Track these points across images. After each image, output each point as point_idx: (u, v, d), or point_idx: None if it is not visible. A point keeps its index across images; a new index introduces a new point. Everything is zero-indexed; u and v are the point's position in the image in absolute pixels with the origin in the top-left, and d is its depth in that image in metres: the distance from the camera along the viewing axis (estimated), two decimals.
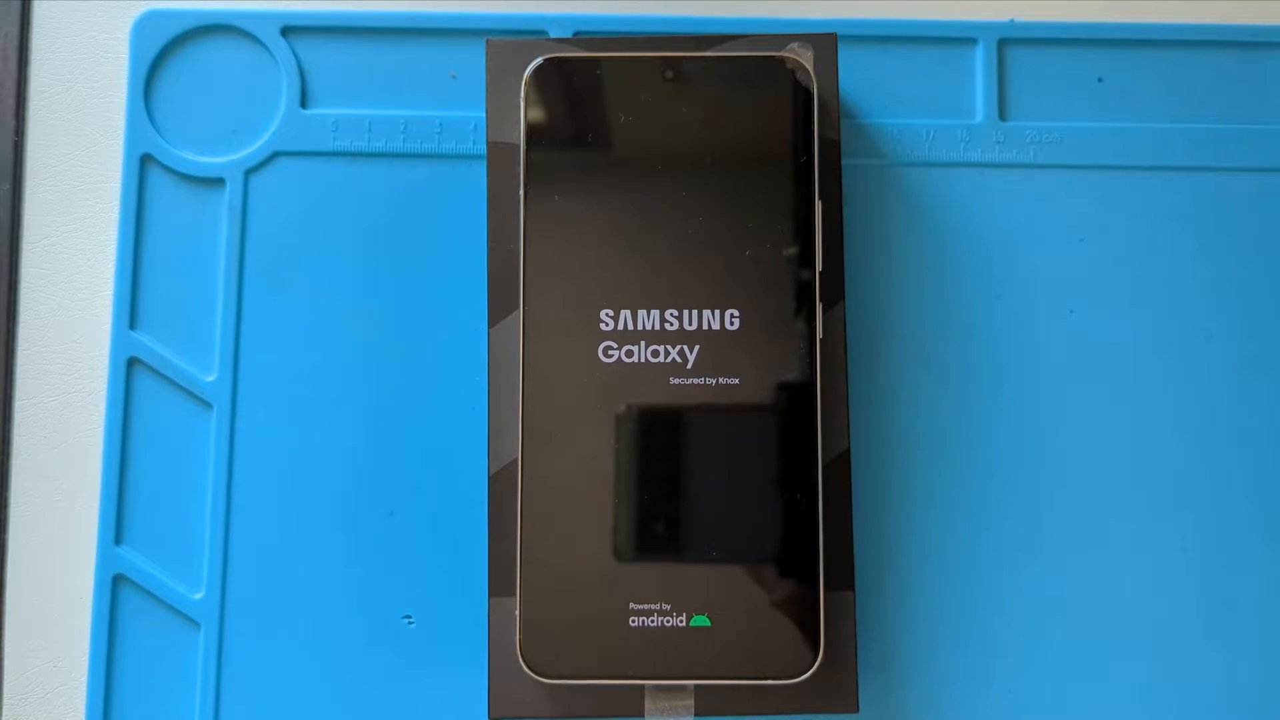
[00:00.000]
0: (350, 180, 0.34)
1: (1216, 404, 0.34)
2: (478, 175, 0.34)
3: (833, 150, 0.32)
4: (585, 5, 0.35)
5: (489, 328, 0.31)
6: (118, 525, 0.33)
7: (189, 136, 0.34)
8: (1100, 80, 0.35)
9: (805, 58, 0.32)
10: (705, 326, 0.30)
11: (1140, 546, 0.33)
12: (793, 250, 0.31)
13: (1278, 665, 0.33)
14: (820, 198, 0.31)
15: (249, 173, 0.34)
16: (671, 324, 0.30)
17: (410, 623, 0.33)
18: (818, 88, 0.31)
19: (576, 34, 0.34)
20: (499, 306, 0.31)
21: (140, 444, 0.33)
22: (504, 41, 0.32)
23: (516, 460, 0.30)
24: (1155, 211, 0.34)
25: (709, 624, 0.30)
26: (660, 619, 0.30)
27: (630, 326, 0.30)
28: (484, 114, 0.33)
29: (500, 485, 0.31)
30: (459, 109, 0.34)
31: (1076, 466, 0.33)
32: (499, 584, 0.31)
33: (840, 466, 0.31)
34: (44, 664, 0.33)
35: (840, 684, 0.30)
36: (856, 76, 0.35)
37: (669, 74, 0.31)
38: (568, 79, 0.31)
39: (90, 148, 0.35)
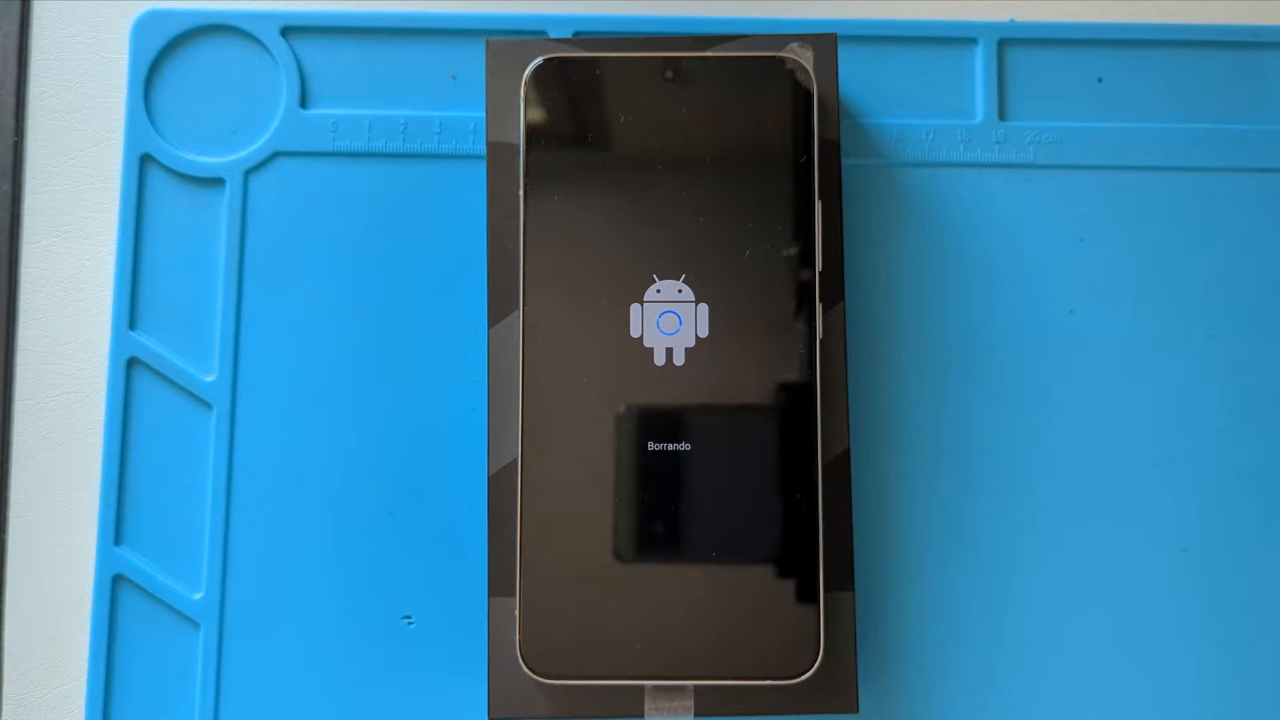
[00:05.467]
0: (350, 180, 0.34)
1: (1216, 404, 0.34)
2: (478, 175, 0.34)
3: (833, 150, 0.32)
4: (585, 5, 0.35)
5: (489, 328, 0.31)
6: (118, 525, 0.33)
7: (189, 136, 0.34)
8: (1100, 80, 0.35)
9: (805, 58, 0.32)
10: (705, 326, 0.30)
11: (1140, 547, 0.33)
12: (793, 250, 0.31)
13: (1277, 665, 0.33)
14: (820, 198, 0.31)
15: (249, 173, 0.34)
16: (671, 323, 0.30)
17: (410, 623, 0.33)
18: (817, 88, 0.31)
19: (576, 34, 0.34)
20: (499, 306, 0.31)
21: (140, 444, 0.33)
22: (504, 41, 0.32)
23: (516, 460, 0.30)
24: (1155, 211, 0.34)
25: (709, 624, 0.30)
26: (660, 619, 0.30)
27: (630, 326, 0.30)
28: (484, 114, 0.33)
29: (500, 485, 0.31)
30: (459, 109, 0.34)
31: (1076, 466, 0.33)
32: (499, 584, 0.31)
33: (840, 466, 0.31)
34: (44, 664, 0.33)
35: (840, 684, 0.30)
36: (856, 76, 0.35)
37: (669, 74, 0.31)
38: (568, 79, 0.31)
39: (90, 148, 0.35)
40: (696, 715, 0.30)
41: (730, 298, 0.31)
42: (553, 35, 0.34)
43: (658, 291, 0.31)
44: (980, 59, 0.35)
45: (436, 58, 0.35)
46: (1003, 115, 0.35)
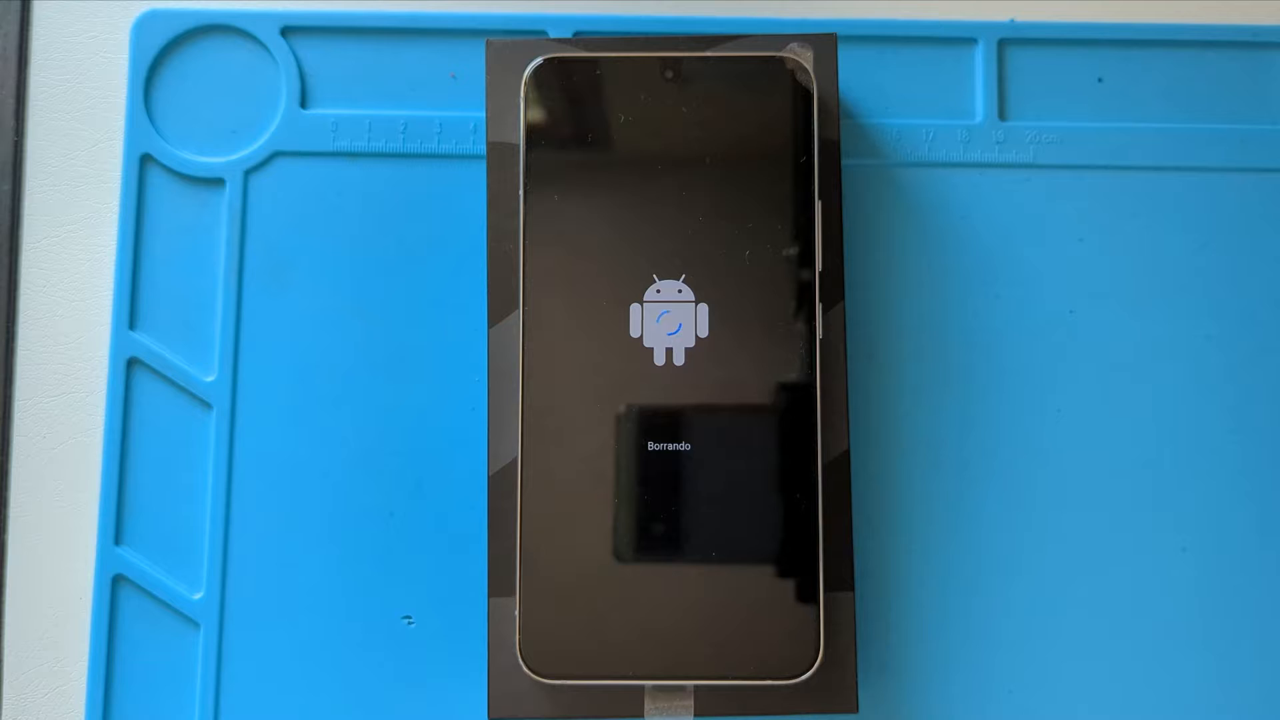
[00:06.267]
0: (350, 180, 0.34)
1: (1216, 404, 0.34)
2: (478, 175, 0.34)
3: (833, 150, 0.32)
4: (585, 5, 0.35)
5: (489, 328, 0.31)
6: (118, 525, 0.33)
7: (189, 136, 0.34)
8: (1100, 80, 0.35)
9: (805, 58, 0.32)
10: (705, 326, 0.30)
11: (1140, 547, 0.33)
12: (793, 250, 0.31)
13: (1277, 665, 0.33)
14: (820, 198, 0.31)
15: (249, 173, 0.34)
16: (671, 323, 0.30)
17: (410, 623, 0.33)
18: (818, 88, 0.31)
19: (576, 34, 0.34)
20: (499, 306, 0.31)
21: (140, 444, 0.33)
22: (504, 41, 0.32)
23: (516, 460, 0.30)
24: (1155, 211, 0.34)
25: (709, 624, 0.30)
26: (660, 619, 0.30)
27: (630, 326, 0.30)
28: (484, 114, 0.33)
29: (500, 485, 0.31)
30: (459, 109, 0.34)
31: (1076, 467, 0.33)
32: (499, 584, 0.31)
33: (840, 466, 0.31)
34: (44, 664, 0.33)
35: (840, 684, 0.30)
36: (856, 76, 0.35)
37: (669, 74, 0.31)
38: (568, 79, 0.31)
39: (90, 148, 0.35)
40: (696, 715, 0.30)
41: (730, 298, 0.31)
42: (553, 35, 0.34)
43: (658, 291, 0.31)
44: (980, 59, 0.35)
45: (436, 58, 0.35)
46: (1003, 115, 0.35)
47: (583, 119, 0.31)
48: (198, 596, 0.33)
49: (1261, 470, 0.34)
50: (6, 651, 0.34)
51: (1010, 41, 0.35)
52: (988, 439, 0.33)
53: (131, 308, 0.34)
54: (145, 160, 0.34)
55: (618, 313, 0.31)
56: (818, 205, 0.31)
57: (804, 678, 0.29)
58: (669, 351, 0.30)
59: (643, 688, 0.30)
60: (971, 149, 0.34)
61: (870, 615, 0.33)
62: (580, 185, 0.31)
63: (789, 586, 0.30)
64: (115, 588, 0.33)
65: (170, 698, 0.32)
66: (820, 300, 0.31)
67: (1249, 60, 0.35)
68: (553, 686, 0.30)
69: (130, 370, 0.33)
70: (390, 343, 0.34)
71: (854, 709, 0.30)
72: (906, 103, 0.35)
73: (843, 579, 0.31)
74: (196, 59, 0.35)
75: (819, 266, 0.31)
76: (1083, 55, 0.35)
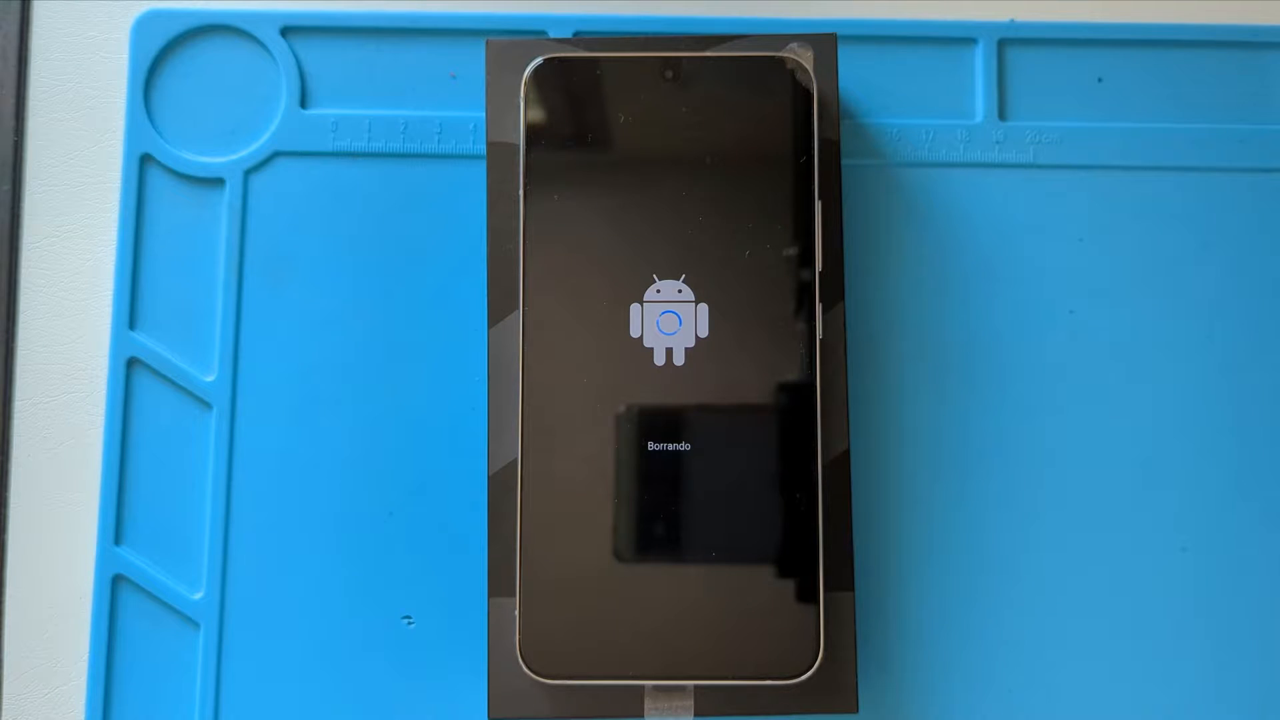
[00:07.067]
0: (350, 180, 0.34)
1: (1216, 404, 0.34)
2: (478, 175, 0.34)
3: (833, 150, 0.32)
4: (585, 5, 0.35)
5: (489, 328, 0.31)
6: (117, 525, 0.33)
7: (189, 136, 0.34)
8: (1100, 80, 0.35)
9: (805, 58, 0.32)
10: (705, 326, 0.30)
11: (1140, 547, 0.33)
12: (793, 250, 0.31)
13: (1277, 665, 0.33)
14: (820, 198, 0.31)
15: (249, 173, 0.34)
16: (671, 323, 0.30)
17: (410, 623, 0.33)
18: (817, 88, 0.31)
19: (576, 34, 0.34)
20: (499, 306, 0.31)
21: (140, 444, 0.33)
22: (504, 41, 0.32)
23: (516, 460, 0.30)
24: (1155, 211, 0.34)
25: (709, 624, 0.30)
26: (660, 619, 0.30)
27: (630, 326, 0.30)
28: (484, 114, 0.33)
29: (500, 485, 0.31)
30: (459, 109, 0.34)
31: (1076, 467, 0.33)
32: (499, 584, 0.31)
33: (840, 466, 0.31)
34: (44, 664, 0.33)
35: (840, 684, 0.30)
36: (856, 76, 0.35)
37: (669, 74, 0.31)
38: (568, 79, 0.31)
39: (90, 148, 0.35)
40: (696, 715, 0.30)
41: (730, 298, 0.31)
42: (553, 35, 0.34)
43: (658, 291, 0.31)
44: (980, 59, 0.35)
45: (436, 58, 0.35)
46: (1003, 115, 0.35)
47: (583, 119, 0.31)
48: (198, 596, 0.33)
49: (1261, 470, 0.34)
50: (6, 651, 0.34)
51: (1010, 41, 0.35)
52: (988, 439, 0.33)
53: (131, 308, 0.34)
54: (145, 160, 0.34)
55: (618, 313, 0.31)
56: (818, 205, 0.31)
57: (804, 677, 0.29)
58: (669, 351, 0.30)
59: (643, 688, 0.30)
60: (971, 149, 0.34)
61: (870, 615, 0.33)
62: (580, 185, 0.31)
63: (789, 586, 0.30)
64: (115, 588, 0.33)
65: (170, 698, 0.32)
66: (820, 300, 0.31)
67: (1249, 60, 0.35)
68: (553, 686, 0.30)
69: (130, 370, 0.33)
70: (390, 343, 0.34)
71: (854, 709, 0.30)
72: (906, 103, 0.35)
73: (843, 579, 0.31)
74: (196, 59, 0.35)
75: (819, 266, 0.31)
76: (1083, 55, 0.35)
